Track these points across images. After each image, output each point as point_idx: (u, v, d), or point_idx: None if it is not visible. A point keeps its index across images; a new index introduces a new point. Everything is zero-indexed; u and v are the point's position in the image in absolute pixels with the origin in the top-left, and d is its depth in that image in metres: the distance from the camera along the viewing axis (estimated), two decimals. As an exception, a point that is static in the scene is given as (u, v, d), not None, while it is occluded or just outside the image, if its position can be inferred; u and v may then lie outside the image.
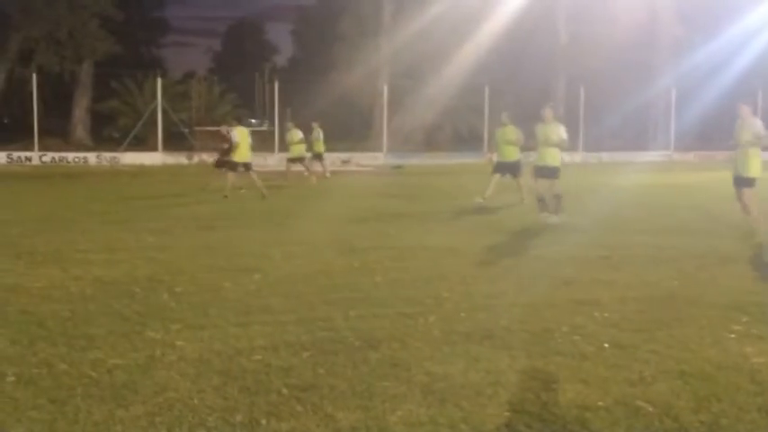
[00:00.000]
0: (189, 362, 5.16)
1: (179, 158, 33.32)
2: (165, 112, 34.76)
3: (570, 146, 16.98)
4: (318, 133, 25.61)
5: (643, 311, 6.67)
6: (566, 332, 5.97)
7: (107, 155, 33.19)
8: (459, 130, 43.30)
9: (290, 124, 25.04)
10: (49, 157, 32.40)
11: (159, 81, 35.43)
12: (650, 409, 4.42)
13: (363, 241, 10.79)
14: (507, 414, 4.34)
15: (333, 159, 34.40)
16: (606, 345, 5.65)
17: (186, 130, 36.91)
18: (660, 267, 8.81)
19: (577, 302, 6.99)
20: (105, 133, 42.66)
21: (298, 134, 23.62)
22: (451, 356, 5.35)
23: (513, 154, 16.47)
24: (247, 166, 18.15)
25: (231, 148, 18.13)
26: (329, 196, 18.37)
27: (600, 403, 4.50)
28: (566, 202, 13.35)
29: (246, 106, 45.19)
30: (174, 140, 36.24)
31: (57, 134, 40.15)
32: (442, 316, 6.46)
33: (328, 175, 25.30)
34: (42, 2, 40.30)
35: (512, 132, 16.39)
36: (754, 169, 11.10)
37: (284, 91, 36.86)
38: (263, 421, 4.19)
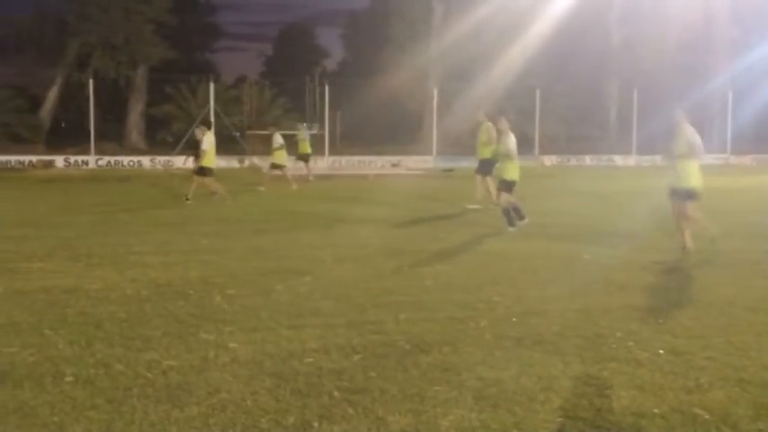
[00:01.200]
0: (242, 364, 5.21)
1: (230, 162, 33.65)
2: (217, 116, 35.13)
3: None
4: (305, 134, 25.60)
5: (699, 318, 6.56)
6: (620, 338, 5.89)
7: (161, 158, 33.68)
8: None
9: (271, 128, 24.23)
10: (104, 160, 33.00)
11: (212, 86, 35.85)
12: (707, 416, 4.34)
13: (413, 245, 10.79)
14: (560, 420, 4.30)
15: (382, 163, 34.49)
16: (661, 351, 5.56)
17: (238, 134, 37.28)
18: (717, 273, 8.64)
19: (631, 308, 6.89)
20: (159, 137, 43.30)
21: (278, 140, 22.62)
22: (503, 361, 5.32)
23: (484, 152, 16.33)
24: (210, 172, 17.86)
25: (200, 153, 17.63)
26: (378, 200, 18.39)
27: (655, 410, 4.43)
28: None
29: (297, 110, 45.49)
30: (226, 144, 36.62)
31: (112, 138, 40.88)
32: (494, 320, 6.43)
33: (311, 179, 24.98)
34: (99, 8, 41.16)
35: (484, 131, 16.24)
36: (693, 180, 10.07)
37: (334, 94, 37.03)
38: (315, 424, 4.21)
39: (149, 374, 4.95)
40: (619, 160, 38.74)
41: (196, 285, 7.79)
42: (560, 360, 5.35)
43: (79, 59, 43.32)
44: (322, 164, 33.74)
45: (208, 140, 17.67)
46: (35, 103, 44.09)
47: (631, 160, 38.54)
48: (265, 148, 37.25)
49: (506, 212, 12.41)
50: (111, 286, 7.71)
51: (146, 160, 33.64)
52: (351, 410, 4.39)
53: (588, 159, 38.56)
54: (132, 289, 7.59)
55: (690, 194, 10.08)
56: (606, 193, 20.39)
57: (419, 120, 43.95)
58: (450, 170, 32.35)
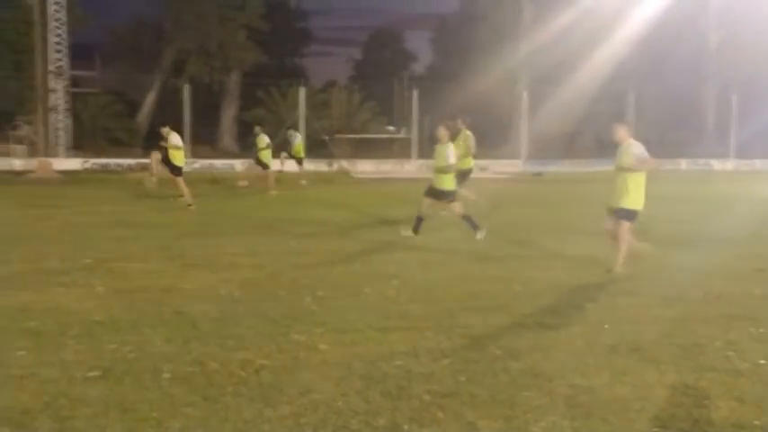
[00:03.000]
0: (332, 365, 5.26)
1: (319, 165, 34.05)
2: (307, 120, 35.63)
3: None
4: (296, 138, 25.46)
5: (803, 328, 6.29)
6: (718, 347, 5.70)
7: (252, 161, 34.31)
8: (600, 136, 42.19)
9: (257, 129, 23.68)
10: (198, 163, 33.84)
11: (302, 90, 36.36)
12: (812, 432, 4.16)
13: (500, 249, 10.70)
14: (656, 430, 4.20)
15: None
16: (762, 361, 5.36)
17: (327, 138, 37.71)
18: (821, 282, 8.28)
19: (730, 317, 6.67)
20: (250, 141, 44.14)
21: (264, 140, 22.33)
22: (596, 369, 5.22)
23: (462, 164, 15.59)
24: (180, 171, 17.61)
25: (168, 152, 17.31)
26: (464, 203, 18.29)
27: (756, 422, 4.28)
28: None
29: (385, 114, 45.76)
30: (316, 148, 37.10)
31: (206, 142, 41.92)
32: (585, 327, 6.31)
33: (304, 182, 24.77)
34: (194, 16, 42.32)
35: (462, 139, 15.22)
36: (631, 200, 8.87)
37: (422, 98, 37.04)
38: (406, 426, 4.21)
39: (243, 373, 5.05)
40: (716, 164, 37.53)
41: (286, 286, 7.91)
42: (656, 369, 5.22)
43: (175, 65, 44.64)
44: (409, 167, 33.81)
45: (177, 138, 17.49)
46: (133, 108, 45.61)
47: (729, 164, 37.29)
48: (354, 151, 37.66)
49: (468, 219, 11.89)
50: (205, 286, 7.90)
51: (237, 163, 34.33)
52: (440, 414, 4.38)
53: (684, 164, 37.46)
54: (225, 289, 7.75)
55: (626, 215, 8.92)
56: (703, 199, 19.80)
57: (507, 123, 43.58)
58: (540, 174, 31.98)
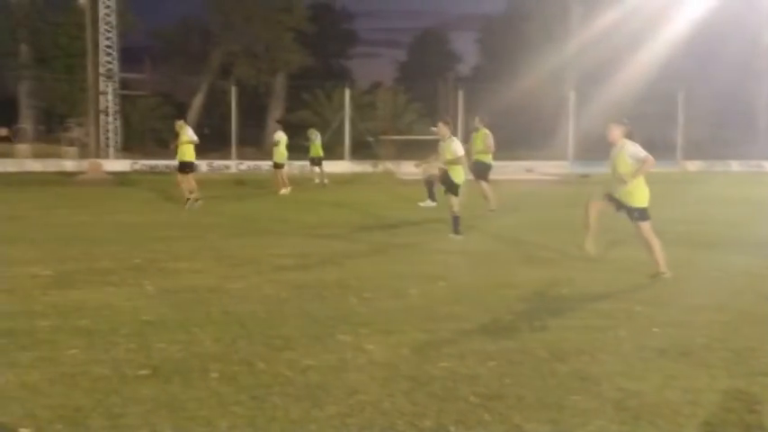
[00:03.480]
0: (378, 366, 5.27)
1: (365, 167, 34.16)
2: (352, 121, 35.78)
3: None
4: (316, 137, 25.35)
5: None
6: (771, 352, 5.59)
7: (297, 163, 34.51)
8: (650, 137, 41.62)
9: (278, 126, 23.46)
10: (245, 165, 34.18)
11: (347, 92, 36.50)
12: None
13: (547, 252, 10.63)
14: (707, 436, 4.13)
15: (515, 168, 34.09)
16: (818, 367, 5.24)
17: (372, 139, 37.80)
18: None
19: (783, 321, 6.53)
20: (296, 142, 44.43)
21: (283, 137, 22.28)
22: (645, 372, 5.15)
23: (484, 156, 15.88)
24: (192, 168, 17.54)
25: (179, 148, 17.17)
26: (511, 205, 18.19)
27: (811, 430, 4.18)
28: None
29: (430, 115, 45.68)
30: (361, 149, 37.22)
31: (252, 143, 42.31)
32: (634, 330, 6.24)
33: (326, 181, 24.74)
34: (241, 18, 42.76)
35: (480, 137, 15.73)
36: (639, 198, 8.73)
37: (467, 99, 36.92)
38: (452, 428, 4.20)
39: (289, 373, 5.08)
40: (767, 166, 36.78)
41: (332, 287, 7.95)
42: (706, 373, 5.13)
43: (222, 67, 45.16)
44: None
45: (191, 132, 17.19)
46: (181, 110, 46.20)
47: (783, 165, 36.55)
48: (399, 152, 37.64)
49: (456, 220, 11.84)
50: (251, 286, 7.97)
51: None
52: (487, 416, 4.37)
53: (735, 165, 36.78)
54: (272, 289, 7.81)
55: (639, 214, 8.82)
56: (755, 200, 19.42)
57: (554, 124, 43.25)
58: (587, 176, 31.63)
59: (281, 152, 22.16)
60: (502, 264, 9.60)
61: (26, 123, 42.81)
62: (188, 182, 17.30)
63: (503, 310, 6.96)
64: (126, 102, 41.12)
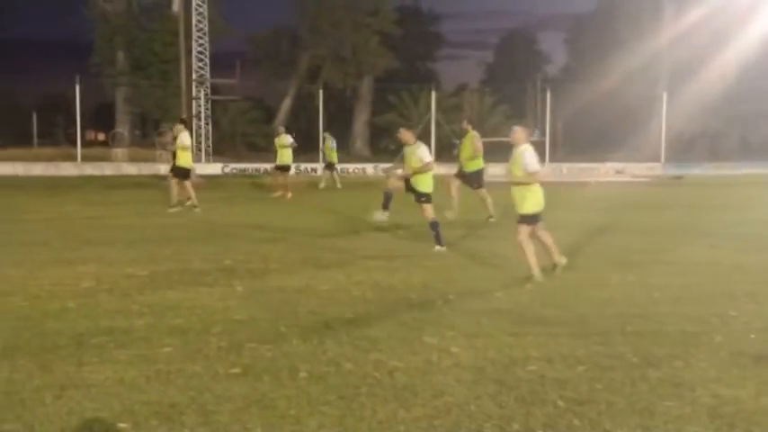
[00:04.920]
0: (464, 368, 5.25)
1: (450, 169, 34.04)
2: (438, 123, 35.75)
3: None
4: (332, 142, 24.82)
5: None
6: None
7: (384, 165, 34.68)
8: (747, 138, 40.33)
9: (281, 128, 22.82)
10: (332, 167, 34.49)
11: (433, 94, 36.50)
12: None
13: (639, 255, 10.39)
14: (807, 447, 3.97)
15: (605, 170, 33.47)
16: None
17: (457, 141, 37.66)
18: None
19: None
20: (382, 145, 44.72)
21: (287, 139, 21.46)
22: (740, 379, 5.00)
23: (471, 165, 14.87)
24: (188, 174, 17.02)
25: (176, 152, 16.63)
26: (598, 207, 17.87)
27: None
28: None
29: (517, 116, 45.28)
30: (446, 151, 37.12)
31: (339, 146, 42.64)
32: (730, 336, 6.05)
33: (339, 186, 24.43)
34: (329, 23, 43.29)
35: (469, 141, 14.83)
36: (530, 205, 8.63)
37: (556, 100, 36.46)
38: (540, 432, 4.17)
39: (377, 374, 5.12)
40: None
41: (418, 290, 7.96)
42: (807, 382, 4.94)
43: (310, 72, 45.80)
44: (542, 171, 33.28)
45: (187, 138, 16.74)
46: (270, 114, 47.06)
47: None
48: (485, 154, 37.36)
49: (436, 227, 11.06)
50: (338, 288, 8.05)
51: (369, 167, 34.82)
52: (576, 421, 4.31)
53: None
54: (358, 291, 7.88)
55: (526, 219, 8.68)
56: None
57: (646, 125, 42.27)
58: (680, 177, 30.84)
59: (286, 153, 21.56)
60: (591, 267, 9.44)
61: (122, 128, 44.35)
62: (185, 188, 16.86)
63: (592, 313, 6.85)
64: (217, 106, 42.11)
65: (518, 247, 8.70)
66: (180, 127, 17.34)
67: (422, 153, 11.07)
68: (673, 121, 37.15)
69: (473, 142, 14.90)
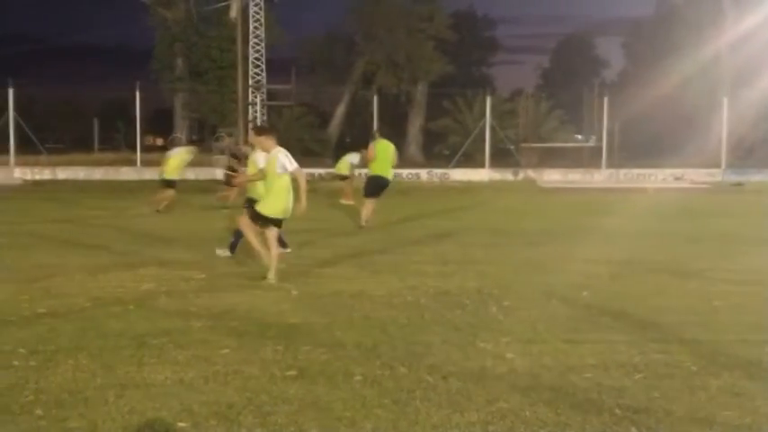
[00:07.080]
0: (519, 375, 5.23)
1: (505, 174, 33.88)
2: (492, 129, 35.58)
3: None
4: (354, 158, 24.17)
5: None
6: None
7: (437, 171, 34.66)
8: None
9: (354, 155, 22.28)
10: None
11: (488, 99, 36.32)
12: None
13: (697, 262, 10.21)
14: None
15: (664, 176, 32.93)
16: None
17: (512, 147, 37.45)
18: None
19: None
20: (436, 150, 44.64)
21: (354, 158, 21.59)
22: (805, 391, 4.88)
23: (380, 170, 14.56)
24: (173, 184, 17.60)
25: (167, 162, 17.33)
26: (656, 214, 17.59)
27: None
28: None
29: (573, 122, 44.87)
30: (501, 157, 36.97)
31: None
32: (793, 346, 5.91)
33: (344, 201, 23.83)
34: (384, 28, 43.44)
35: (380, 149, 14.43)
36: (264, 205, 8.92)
37: (613, 105, 35.96)
38: (596, 440, 4.13)
39: (431, 379, 5.12)
40: None
41: (472, 295, 7.94)
42: None
43: (364, 77, 45.99)
44: (599, 177, 32.94)
45: (176, 150, 17.23)
46: (324, 119, 47.36)
47: None
48: (541, 160, 37.14)
49: (237, 237, 10.39)
50: (392, 293, 8.07)
51: (423, 173, 34.77)
52: (634, 429, 4.25)
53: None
54: (412, 296, 7.89)
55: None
56: None
57: (706, 130, 41.44)
58: (740, 184, 30.19)
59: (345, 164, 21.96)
60: (649, 274, 9.30)
61: (181, 133, 45.07)
62: (164, 196, 17.54)
63: (650, 321, 6.75)
64: (272, 112, 42.54)
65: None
66: (175, 137, 17.91)
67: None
68: (733, 126, 36.36)
69: (387, 151, 14.59)
